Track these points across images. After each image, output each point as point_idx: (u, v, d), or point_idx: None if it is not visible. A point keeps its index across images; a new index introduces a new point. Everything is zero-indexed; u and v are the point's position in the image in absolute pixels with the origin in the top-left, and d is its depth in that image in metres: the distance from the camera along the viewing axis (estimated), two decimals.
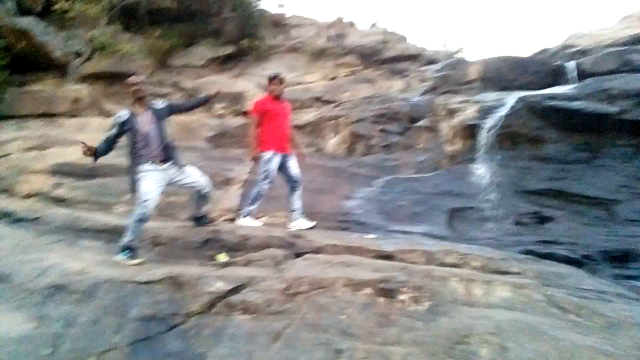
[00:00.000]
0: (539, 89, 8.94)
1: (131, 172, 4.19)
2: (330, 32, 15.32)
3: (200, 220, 4.69)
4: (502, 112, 7.60)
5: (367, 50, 14.45)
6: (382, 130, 9.65)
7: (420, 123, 9.14)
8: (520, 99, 7.69)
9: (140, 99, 4.32)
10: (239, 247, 3.98)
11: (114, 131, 4.27)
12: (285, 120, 5.60)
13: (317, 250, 3.75)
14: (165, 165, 4.29)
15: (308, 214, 5.67)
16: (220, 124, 11.22)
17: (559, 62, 10.43)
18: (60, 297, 3.09)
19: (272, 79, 5.51)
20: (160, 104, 4.52)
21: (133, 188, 4.17)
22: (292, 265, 3.35)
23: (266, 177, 5.36)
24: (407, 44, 15.15)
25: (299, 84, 13.57)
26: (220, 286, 2.94)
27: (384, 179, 7.43)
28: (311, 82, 13.78)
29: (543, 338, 2.44)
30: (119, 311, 2.85)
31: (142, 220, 4.02)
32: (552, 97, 7.54)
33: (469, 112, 7.90)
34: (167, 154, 4.31)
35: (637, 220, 6.05)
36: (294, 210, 5.49)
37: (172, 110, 4.62)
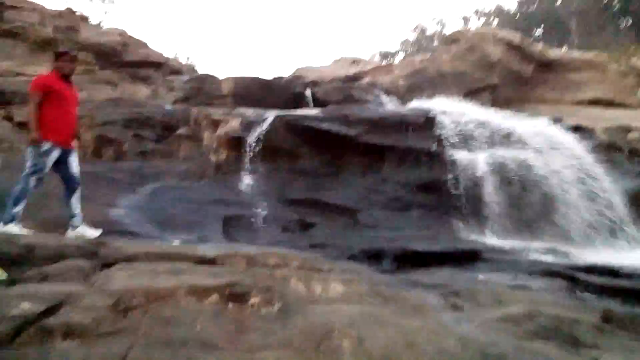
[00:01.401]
0: (283, 109, 9.87)
1: None
2: (59, 23, 13.39)
3: None
4: (264, 127, 8.06)
5: (104, 49, 13.18)
6: (135, 136, 8.94)
7: (181, 131, 8.85)
8: (278, 117, 8.32)
9: None
10: (23, 259, 3.04)
11: None
12: (73, 107, 4.73)
13: (129, 259, 3.19)
14: None
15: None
16: None
17: (299, 89, 11.72)
18: None
19: (62, 55, 4.61)
20: None
21: None
22: (108, 276, 2.75)
23: (37, 172, 4.39)
24: (150, 50, 14.51)
25: (18, 74, 11.33)
26: (28, 307, 2.19)
27: (151, 187, 6.89)
28: (35, 75, 11.67)
29: (386, 325, 2.70)
30: None
31: None
32: (305, 117, 8.42)
33: (233, 125, 8.09)
34: None
35: (375, 226, 7.27)
36: (74, 216, 4.60)
37: None
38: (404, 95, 13.01)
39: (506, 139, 9.25)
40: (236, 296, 2.61)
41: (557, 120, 10.87)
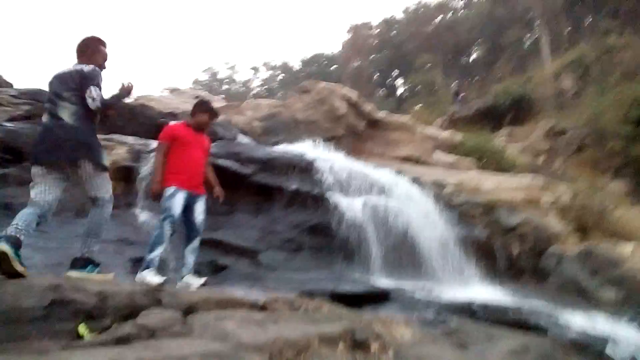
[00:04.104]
0: (146, 138, 9.15)
1: None
2: None
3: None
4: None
5: None
6: None
7: None
8: None
9: None
10: (99, 311, 2.26)
11: None
12: (198, 152, 4.98)
13: (194, 307, 2.65)
14: None
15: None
16: None
17: (163, 119, 10.95)
18: None
19: (206, 109, 4.91)
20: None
21: None
22: (212, 327, 2.27)
23: (167, 217, 4.50)
24: None
25: None
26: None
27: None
28: None
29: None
30: None
31: None
32: None
33: (121, 153, 7.20)
34: None
35: (276, 267, 7.24)
36: (184, 265, 4.62)
37: None
38: (259, 137, 13.28)
39: (372, 186, 10.25)
40: (359, 343, 2.50)
41: (398, 172, 12.45)
